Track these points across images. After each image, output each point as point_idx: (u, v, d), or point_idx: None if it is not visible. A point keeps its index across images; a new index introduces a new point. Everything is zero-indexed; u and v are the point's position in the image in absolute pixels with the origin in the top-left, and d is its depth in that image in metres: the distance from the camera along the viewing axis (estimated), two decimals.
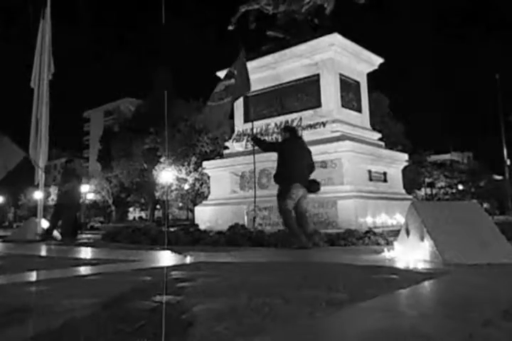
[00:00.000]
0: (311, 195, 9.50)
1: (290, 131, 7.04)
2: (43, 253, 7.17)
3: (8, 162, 9.31)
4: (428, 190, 49.19)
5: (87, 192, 37.19)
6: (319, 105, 10.47)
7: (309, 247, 6.24)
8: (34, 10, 10.70)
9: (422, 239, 4.53)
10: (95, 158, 52.93)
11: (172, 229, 10.15)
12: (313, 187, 6.76)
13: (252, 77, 11.94)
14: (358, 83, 11.44)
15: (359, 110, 11.30)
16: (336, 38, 10.35)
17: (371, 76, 12.09)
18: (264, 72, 11.53)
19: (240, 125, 12.06)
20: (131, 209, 58.42)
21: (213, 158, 15.02)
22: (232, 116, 12.58)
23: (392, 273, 3.63)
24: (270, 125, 11.17)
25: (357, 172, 9.59)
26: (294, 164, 6.54)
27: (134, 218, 63.37)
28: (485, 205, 38.48)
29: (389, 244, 6.10)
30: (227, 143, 12.61)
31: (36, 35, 10.77)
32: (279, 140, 10.81)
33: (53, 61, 10.77)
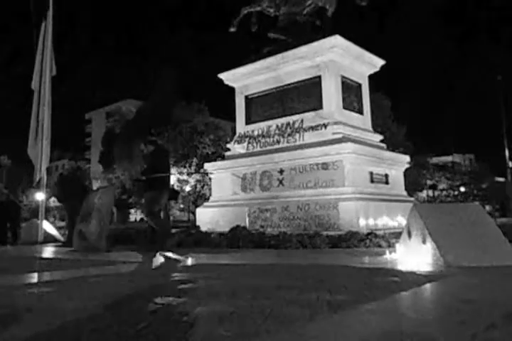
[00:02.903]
0: (314, 197, 9.52)
1: (155, 144, 7.77)
2: (44, 255, 7.17)
3: None
4: (430, 192, 49.08)
5: None
6: (321, 107, 10.47)
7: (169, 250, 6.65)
8: (36, 12, 10.71)
9: (423, 241, 4.52)
10: (97, 159, 52.89)
11: (173, 231, 10.14)
12: (174, 195, 7.65)
13: (253, 79, 11.99)
14: (359, 85, 11.44)
15: (360, 112, 11.29)
16: (337, 39, 10.36)
17: (373, 78, 12.10)
18: (266, 73, 11.54)
19: (241, 127, 12.07)
20: (132, 210, 58.35)
21: (215, 160, 15.01)
22: (233, 118, 12.60)
23: (394, 276, 3.63)
24: (272, 127, 11.17)
25: (358, 174, 9.58)
26: (163, 173, 7.08)
27: (136, 219, 63.30)
28: (487, 207, 38.36)
29: (391, 246, 6.09)
30: (228, 145, 12.61)
31: (38, 36, 10.79)
32: (280, 142, 10.84)
33: (55, 62, 10.78)
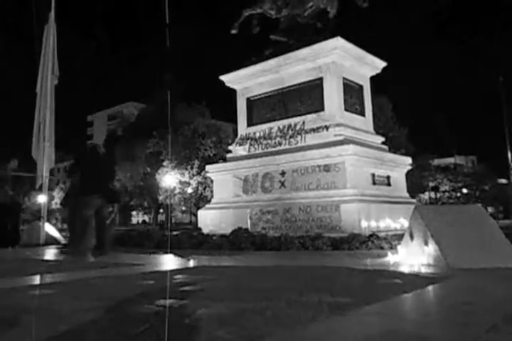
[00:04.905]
0: (315, 199, 9.52)
1: (90, 149, 7.74)
2: (47, 257, 7.17)
3: None
4: (432, 194, 48.99)
5: None
6: (322, 109, 10.48)
7: (88, 256, 6.60)
8: (38, 14, 10.75)
9: (426, 243, 4.51)
10: None
11: (175, 233, 10.15)
12: (113, 197, 7.46)
13: (255, 81, 12.01)
14: (361, 87, 11.45)
15: (362, 114, 11.30)
16: (338, 41, 10.37)
17: (374, 79, 12.11)
18: (267, 75, 11.56)
19: (243, 129, 12.08)
20: (134, 212, 58.37)
21: (216, 162, 15.04)
22: (235, 120, 12.62)
23: (396, 278, 3.62)
24: (273, 129, 11.18)
25: (360, 175, 9.57)
26: (93, 178, 6.95)
27: (138, 222, 63.36)
28: (489, 209, 38.27)
29: (393, 248, 6.07)
30: (230, 147, 12.63)
31: (41, 39, 10.82)
32: (282, 144, 10.84)
33: (58, 65, 10.80)
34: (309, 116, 10.60)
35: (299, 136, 10.54)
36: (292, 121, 10.87)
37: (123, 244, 8.92)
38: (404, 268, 4.30)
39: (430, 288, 3.17)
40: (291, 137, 10.71)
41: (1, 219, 9.51)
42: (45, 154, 10.27)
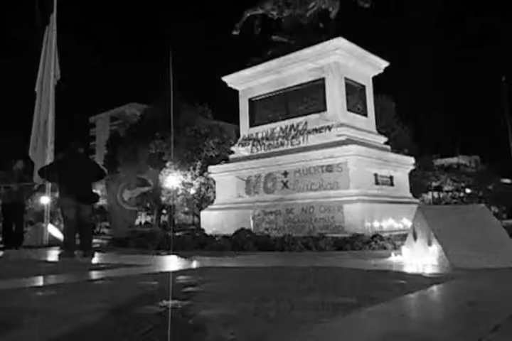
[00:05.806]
0: (318, 200, 9.51)
1: (66, 150, 7.63)
2: (50, 258, 7.18)
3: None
4: (435, 194, 48.89)
5: None
6: (325, 109, 10.46)
7: (72, 256, 6.69)
8: (40, 16, 10.78)
9: (429, 243, 4.50)
10: (101, 163, 52.98)
11: (178, 234, 10.15)
12: (87, 199, 7.11)
13: (257, 81, 12.01)
14: (363, 87, 11.42)
15: (365, 114, 11.27)
16: (340, 41, 10.35)
17: (377, 79, 12.08)
18: (269, 76, 11.55)
19: (245, 129, 12.07)
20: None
21: (219, 163, 15.02)
22: (237, 121, 12.61)
23: (400, 278, 3.60)
24: (276, 129, 11.17)
25: (363, 176, 9.55)
26: (67, 179, 6.92)
27: (140, 223, 63.42)
28: (493, 209, 38.13)
29: (396, 248, 6.06)
30: (232, 148, 12.62)
31: (42, 40, 10.85)
32: (284, 144, 10.84)
33: (59, 66, 10.83)
34: (311, 117, 10.59)
35: (302, 137, 10.53)
36: (294, 121, 10.86)
37: (126, 244, 8.94)
38: (408, 269, 4.29)
39: (434, 288, 3.15)
40: (293, 137, 10.70)
41: (5, 220, 9.56)
42: (47, 155, 10.29)
